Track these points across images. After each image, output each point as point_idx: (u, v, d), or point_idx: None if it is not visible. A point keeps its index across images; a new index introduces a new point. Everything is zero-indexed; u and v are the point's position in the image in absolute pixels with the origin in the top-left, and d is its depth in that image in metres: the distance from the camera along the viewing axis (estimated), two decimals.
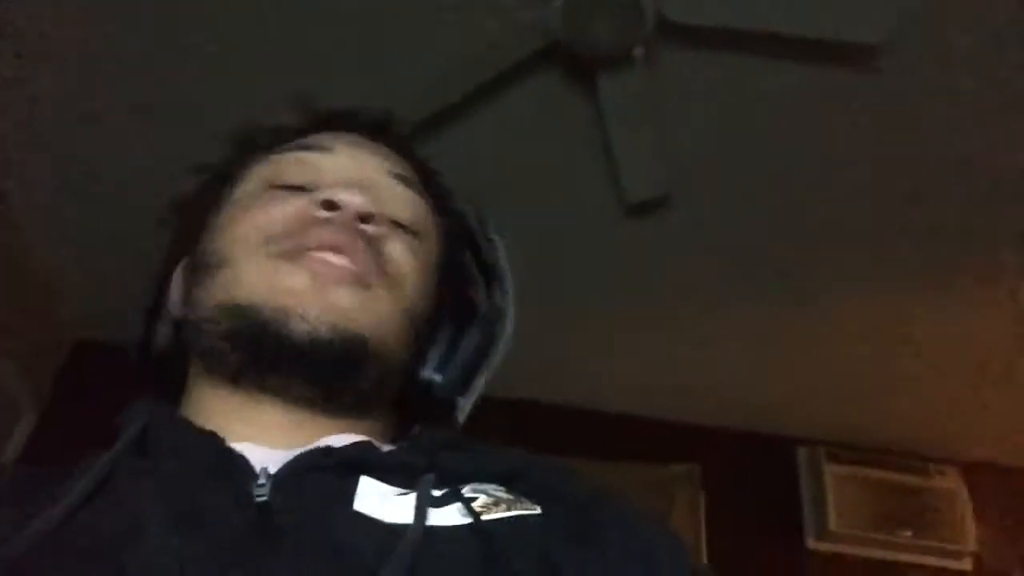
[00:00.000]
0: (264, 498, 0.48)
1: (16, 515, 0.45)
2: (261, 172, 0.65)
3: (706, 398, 2.75)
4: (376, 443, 0.56)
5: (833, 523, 2.52)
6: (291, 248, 0.57)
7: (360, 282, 0.57)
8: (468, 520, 0.48)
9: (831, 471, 2.60)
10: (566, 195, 2.14)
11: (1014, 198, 1.99)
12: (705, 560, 2.45)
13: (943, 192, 2.01)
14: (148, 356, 0.68)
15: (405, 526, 0.46)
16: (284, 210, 0.60)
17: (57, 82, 1.91)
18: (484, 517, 0.48)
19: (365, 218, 0.59)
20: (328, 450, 0.52)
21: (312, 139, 0.67)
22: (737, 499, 2.61)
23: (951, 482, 2.61)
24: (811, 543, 2.59)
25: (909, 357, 2.50)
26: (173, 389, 0.64)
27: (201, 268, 0.61)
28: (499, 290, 0.69)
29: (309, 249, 0.57)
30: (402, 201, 0.65)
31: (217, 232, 0.62)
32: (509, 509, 0.49)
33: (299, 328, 0.54)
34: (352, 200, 0.59)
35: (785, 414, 2.76)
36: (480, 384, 0.67)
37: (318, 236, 0.57)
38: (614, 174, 1.94)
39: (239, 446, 0.52)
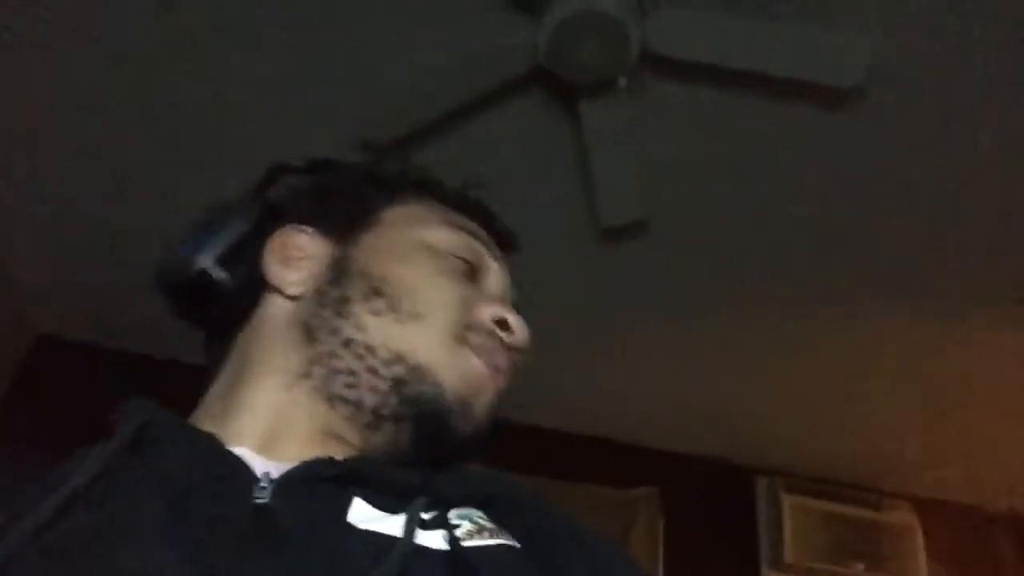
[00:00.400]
0: (264, 500, 0.49)
1: (6, 506, 0.46)
2: (442, 234, 0.67)
3: (670, 424, 2.77)
4: (373, 460, 0.58)
5: (789, 553, 2.55)
6: (477, 348, 0.62)
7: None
8: (451, 547, 0.50)
9: (789, 501, 2.63)
10: (541, 216, 2.16)
11: (979, 235, 2.05)
12: None
13: (910, 230, 2.07)
14: (194, 286, 0.64)
15: (395, 540, 0.48)
16: (472, 303, 0.64)
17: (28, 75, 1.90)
18: (466, 543, 0.50)
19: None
20: (331, 462, 0.53)
21: (482, 234, 0.70)
22: (696, 525, 2.63)
23: (905, 517, 2.66)
24: (767, 572, 2.61)
25: (870, 393, 2.55)
26: (205, 326, 0.67)
27: (376, 296, 0.61)
28: None
29: (489, 358, 0.63)
30: None
31: (398, 268, 0.63)
32: (492, 538, 0.51)
33: (464, 428, 0.60)
34: (522, 336, 0.65)
35: (747, 443, 2.79)
36: None
37: (502, 357, 0.64)
38: (591, 198, 1.96)
39: (237, 450, 0.54)
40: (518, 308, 0.71)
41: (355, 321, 0.60)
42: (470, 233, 0.68)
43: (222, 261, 0.63)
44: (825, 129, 1.84)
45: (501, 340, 0.64)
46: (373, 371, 0.58)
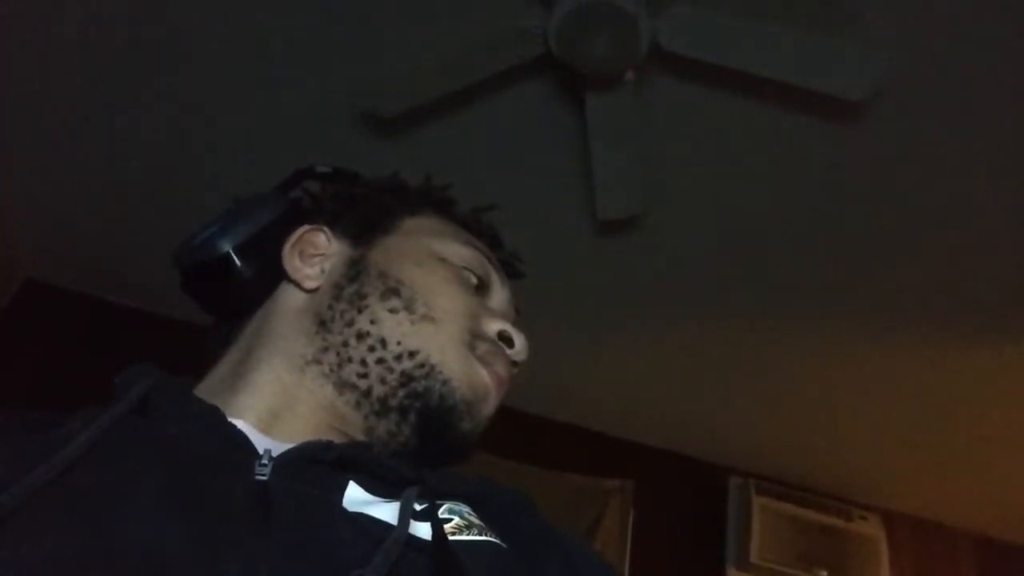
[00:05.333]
0: (264, 477, 0.50)
1: (6, 462, 0.46)
2: (455, 248, 0.70)
3: (650, 418, 2.79)
4: (369, 447, 0.60)
5: (755, 554, 2.57)
6: (482, 357, 0.66)
7: None
8: (438, 539, 0.51)
9: (759, 503, 2.65)
10: (536, 202, 2.16)
11: (968, 252, 2.05)
12: (627, 573, 2.49)
13: (906, 248, 2.07)
14: (214, 269, 0.67)
15: (387, 526, 0.49)
16: (480, 315, 0.68)
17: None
18: (456, 537, 0.51)
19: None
20: (330, 445, 0.55)
21: (491, 255, 0.74)
22: (666, 519, 2.66)
23: (872, 528, 2.68)
24: (731, 571, 2.64)
25: (848, 406, 2.57)
26: (215, 310, 0.69)
27: (393, 295, 0.64)
28: None
29: (492, 368, 0.66)
30: None
31: (414, 272, 0.66)
32: (479, 535, 0.52)
33: (465, 426, 0.63)
34: (523, 352, 0.70)
35: (723, 443, 2.81)
36: None
37: (503, 368, 0.67)
38: (589, 189, 1.96)
39: (238, 423, 0.55)
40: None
41: (371, 315, 0.63)
42: (481, 252, 0.72)
43: (244, 248, 0.67)
44: (829, 139, 1.84)
45: (504, 352, 0.67)
46: (384, 363, 0.61)
